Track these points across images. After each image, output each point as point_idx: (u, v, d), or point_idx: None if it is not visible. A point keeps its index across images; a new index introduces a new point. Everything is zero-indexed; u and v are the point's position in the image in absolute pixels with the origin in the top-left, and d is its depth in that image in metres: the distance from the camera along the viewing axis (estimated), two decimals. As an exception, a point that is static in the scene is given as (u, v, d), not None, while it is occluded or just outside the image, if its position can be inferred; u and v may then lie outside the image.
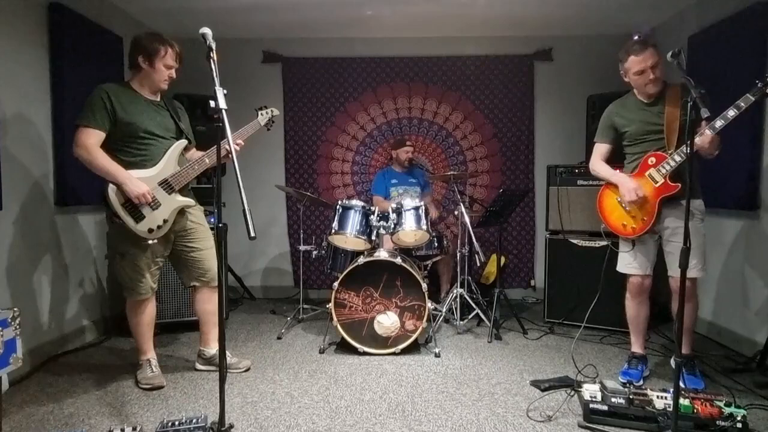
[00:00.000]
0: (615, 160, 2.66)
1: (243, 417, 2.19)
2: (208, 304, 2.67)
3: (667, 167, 2.35)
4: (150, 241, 2.40)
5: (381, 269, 2.97)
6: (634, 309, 2.63)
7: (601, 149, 2.66)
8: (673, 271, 2.43)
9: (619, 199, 2.52)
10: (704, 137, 2.23)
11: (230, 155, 1.87)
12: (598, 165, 2.65)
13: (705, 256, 2.42)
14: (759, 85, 2.11)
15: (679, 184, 2.34)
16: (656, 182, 2.39)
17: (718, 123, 2.19)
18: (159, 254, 2.51)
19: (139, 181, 2.32)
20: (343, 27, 4.13)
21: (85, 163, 2.32)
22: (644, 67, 2.37)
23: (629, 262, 2.56)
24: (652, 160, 2.42)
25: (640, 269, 2.54)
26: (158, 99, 2.54)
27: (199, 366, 2.75)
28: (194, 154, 2.63)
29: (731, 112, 2.16)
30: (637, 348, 2.66)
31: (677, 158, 2.32)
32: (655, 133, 2.44)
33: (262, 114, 2.72)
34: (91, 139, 2.31)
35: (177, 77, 2.53)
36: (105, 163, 2.30)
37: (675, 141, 2.37)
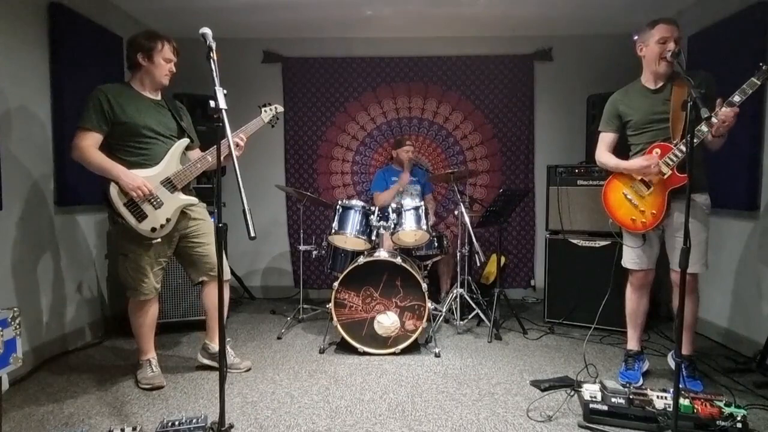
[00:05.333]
0: (619, 151, 2.61)
1: (243, 417, 2.19)
2: (216, 298, 2.66)
3: (674, 158, 2.31)
4: (153, 241, 2.40)
5: (381, 269, 2.97)
6: (634, 302, 2.62)
7: (606, 139, 2.62)
8: (675, 265, 2.42)
9: (625, 193, 2.50)
10: (724, 111, 2.12)
11: (231, 155, 1.86)
12: (604, 156, 2.59)
13: (707, 251, 2.41)
14: (764, 67, 2.07)
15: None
16: (664, 174, 2.35)
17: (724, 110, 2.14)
18: (162, 254, 2.51)
19: (133, 174, 2.32)
20: (343, 27, 4.13)
21: (81, 163, 2.33)
22: (670, 36, 2.32)
23: (635, 258, 2.55)
24: (657, 151, 2.38)
25: (645, 264, 2.54)
26: (159, 98, 2.54)
27: (201, 359, 2.75)
28: (196, 153, 2.63)
29: (736, 98, 2.12)
30: (633, 344, 2.65)
31: (683, 148, 2.26)
32: (660, 121, 2.41)
33: (265, 111, 2.72)
34: (86, 141, 2.32)
35: (176, 75, 2.53)
36: (100, 160, 2.31)
37: (680, 130, 2.33)
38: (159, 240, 2.42)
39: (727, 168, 2.90)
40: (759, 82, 2.09)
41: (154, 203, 2.37)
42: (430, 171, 4.35)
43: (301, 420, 2.17)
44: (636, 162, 2.43)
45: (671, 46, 2.31)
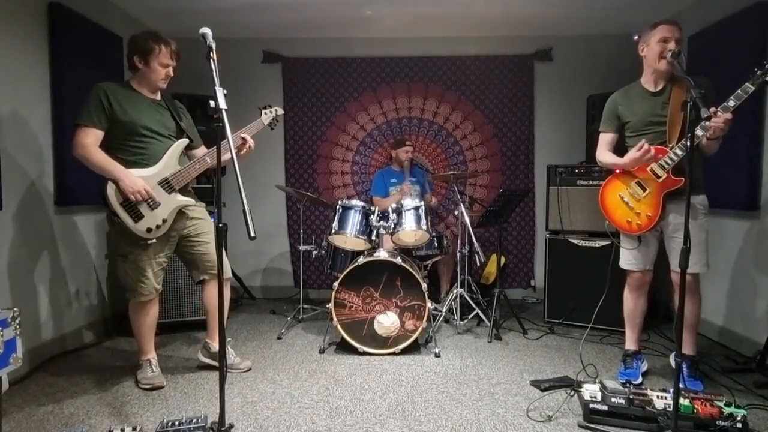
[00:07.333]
0: (618, 152, 2.61)
1: (243, 417, 2.19)
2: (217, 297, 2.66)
3: (669, 161, 2.32)
4: (149, 241, 2.40)
5: (381, 269, 2.97)
6: (632, 302, 2.62)
7: (606, 138, 2.62)
8: (675, 266, 2.43)
9: (621, 195, 2.51)
10: (718, 116, 2.11)
11: (232, 156, 1.86)
12: (604, 155, 2.60)
13: (708, 251, 2.41)
14: (758, 72, 2.08)
15: (683, 178, 2.31)
16: (659, 177, 2.36)
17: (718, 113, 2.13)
18: (162, 254, 2.51)
19: (134, 177, 2.32)
20: (343, 27, 4.13)
21: (83, 161, 2.33)
22: (671, 36, 2.33)
23: (631, 259, 2.55)
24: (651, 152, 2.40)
25: (642, 265, 2.54)
26: (158, 98, 2.54)
27: (201, 358, 2.75)
28: (201, 152, 2.62)
29: (731, 103, 2.12)
30: (631, 344, 2.65)
31: (678, 152, 2.28)
32: (658, 125, 2.42)
33: (265, 113, 2.73)
34: (89, 138, 2.31)
35: (176, 76, 2.52)
36: (102, 160, 2.31)
37: (677, 134, 2.34)
38: (154, 240, 2.42)
39: (726, 168, 2.90)
40: (753, 87, 2.09)
41: (151, 204, 2.36)
42: (430, 171, 4.35)
43: (301, 420, 2.17)
44: (629, 155, 2.42)
45: (672, 45, 2.31)
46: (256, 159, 4.29)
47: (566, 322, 3.50)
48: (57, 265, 2.97)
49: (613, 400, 2.09)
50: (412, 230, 3.10)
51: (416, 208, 3.13)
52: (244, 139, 2.53)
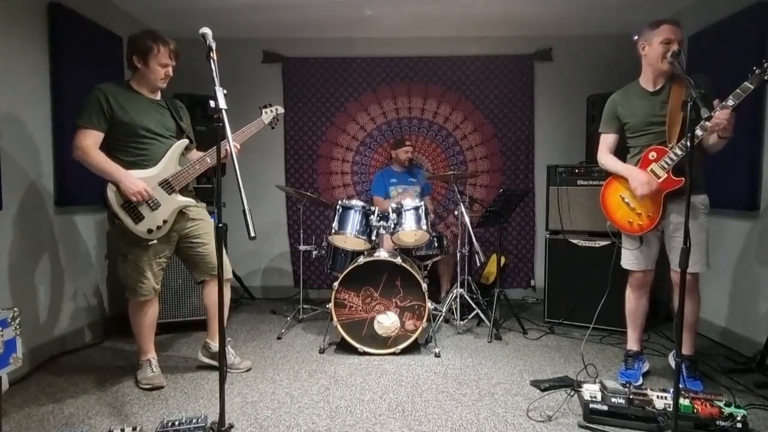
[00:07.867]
0: (620, 151, 2.62)
1: (243, 417, 2.19)
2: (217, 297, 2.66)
3: (669, 161, 2.32)
4: (150, 242, 2.40)
5: (381, 269, 2.97)
6: (634, 302, 2.62)
7: (607, 140, 2.62)
8: (675, 265, 2.43)
9: (622, 196, 2.51)
10: (718, 114, 2.11)
11: (230, 156, 1.86)
12: (605, 158, 2.60)
13: (708, 251, 2.41)
14: (757, 71, 2.07)
15: (683, 178, 2.30)
16: (659, 177, 2.36)
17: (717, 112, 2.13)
18: (161, 254, 2.51)
19: (135, 178, 2.32)
20: (343, 27, 4.13)
21: (83, 163, 2.33)
22: (674, 38, 2.32)
23: (633, 258, 2.55)
24: (653, 154, 2.39)
25: (644, 264, 2.54)
26: (158, 98, 2.54)
27: (202, 358, 2.75)
28: (195, 154, 2.63)
29: (730, 102, 2.12)
30: (633, 344, 2.65)
31: (678, 152, 2.28)
32: (657, 125, 2.41)
33: (266, 112, 2.73)
34: (88, 140, 2.31)
35: (176, 76, 2.52)
36: (102, 162, 2.31)
37: (676, 134, 2.34)
38: (155, 241, 2.42)
39: (727, 168, 2.89)
40: (752, 86, 2.09)
41: (152, 205, 2.36)
42: (429, 171, 4.35)
43: (301, 420, 2.17)
44: (636, 175, 2.42)
45: (675, 47, 2.31)
46: (256, 159, 4.31)
47: (566, 322, 3.50)
48: (57, 265, 2.97)
49: (613, 400, 2.09)
50: (412, 230, 3.10)
51: (416, 208, 3.13)
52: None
